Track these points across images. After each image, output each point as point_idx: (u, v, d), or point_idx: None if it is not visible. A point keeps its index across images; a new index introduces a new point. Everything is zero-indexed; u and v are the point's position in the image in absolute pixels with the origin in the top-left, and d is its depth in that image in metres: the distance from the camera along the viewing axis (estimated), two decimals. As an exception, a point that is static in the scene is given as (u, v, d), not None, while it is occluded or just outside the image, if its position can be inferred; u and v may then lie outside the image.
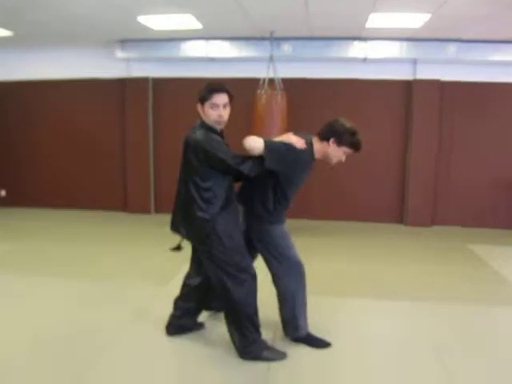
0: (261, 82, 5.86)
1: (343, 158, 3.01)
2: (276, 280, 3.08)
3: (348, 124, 2.92)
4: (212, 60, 6.75)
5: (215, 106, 2.72)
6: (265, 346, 2.92)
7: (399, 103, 6.73)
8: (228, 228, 2.79)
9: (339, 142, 2.90)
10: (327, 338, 3.14)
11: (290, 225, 3.10)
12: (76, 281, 4.31)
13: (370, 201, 6.99)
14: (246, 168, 2.72)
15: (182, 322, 3.17)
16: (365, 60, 6.43)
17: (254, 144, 2.78)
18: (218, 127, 2.80)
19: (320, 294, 3.84)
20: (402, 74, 6.58)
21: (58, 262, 4.94)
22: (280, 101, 5.82)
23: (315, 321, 3.27)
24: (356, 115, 6.78)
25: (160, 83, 7.09)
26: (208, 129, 2.78)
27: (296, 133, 3.06)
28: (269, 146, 2.79)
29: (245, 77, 6.45)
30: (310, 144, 2.94)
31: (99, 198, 7.52)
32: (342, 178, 6.84)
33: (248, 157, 2.77)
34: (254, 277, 2.87)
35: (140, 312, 3.61)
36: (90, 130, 7.39)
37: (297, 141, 2.88)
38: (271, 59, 5.88)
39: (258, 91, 5.84)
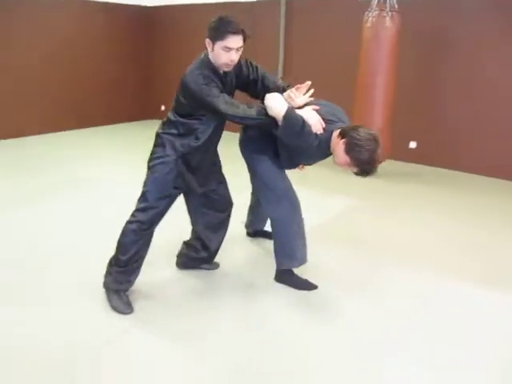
0: (372, 2, 5.18)
1: (347, 169, 2.57)
2: (266, 208, 2.99)
3: (372, 142, 2.42)
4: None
5: (228, 49, 2.39)
6: (113, 290, 2.72)
7: None
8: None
9: (347, 149, 2.44)
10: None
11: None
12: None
13: (496, 151, 5.70)
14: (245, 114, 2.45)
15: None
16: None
17: (275, 105, 2.47)
18: (226, 69, 2.50)
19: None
20: None
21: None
22: (389, 24, 5.08)
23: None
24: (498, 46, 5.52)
25: (293, 3, 6.84)
26: (209, 68, 2.47)
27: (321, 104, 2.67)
28: (288, 117, 2.45)
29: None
30: (329, 133, 2.54)
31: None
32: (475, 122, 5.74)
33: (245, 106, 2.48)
34: (147, 226, 2.65)
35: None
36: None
37: (316, 123, 2.50)
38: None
39: (366, 13, 5.20)
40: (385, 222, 4.21)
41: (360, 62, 5.36)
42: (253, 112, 2.47)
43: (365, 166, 2.48)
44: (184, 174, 2.64)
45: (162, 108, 8.75)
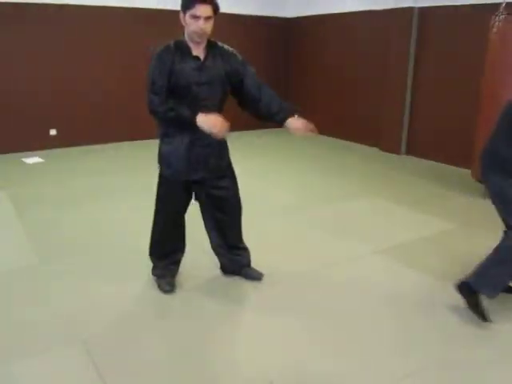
0: (501, 6, 4.64)
1: None
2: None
3: None
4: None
5: (196, 17, 2.49)
6: (160, 273, 3.00)
7: None
8: (170, 156, 2.72)
9: None
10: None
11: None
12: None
13: None
14: (157, 105, 2.56)
15: None
16: None
17: None
18: (198, 39, 2.57)
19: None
20: None
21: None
22: (519, 30, 4.50)
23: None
24: None
25: (427, 13, 6.43)
26: (177, 46, 2.60)
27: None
28: None
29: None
30: None
31: (355, 131, 7.74)
32: None
33: (174, 103, 2.55)
34: (167, 214, 2.89)
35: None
36: (353, 64, 7.62)
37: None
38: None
39: (492, 17, 4.67)
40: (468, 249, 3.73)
41: (485, 71, 4.84)
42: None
43: None
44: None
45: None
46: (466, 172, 5.42)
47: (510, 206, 2.69)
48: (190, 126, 2.54)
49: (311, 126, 2.72)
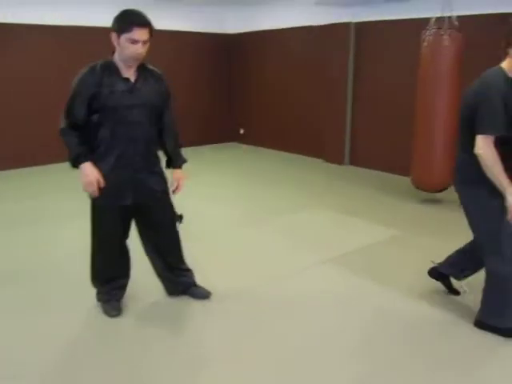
0: (431, 20, 4.87)
1: None
2: (483, 256, 2.62)
3: None
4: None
5: (135, 41, 2.39)
6: (104, 298, 2.87)
7: None
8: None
9: None
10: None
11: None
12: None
13: None
14: (62, 129, 2.54)
15: None
16: None
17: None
18: (132, 63, 2.50)
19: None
20: None
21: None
22: (448, 43, 4.72)
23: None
24: None
25: (363, 28, 6.67)
26: (105, 67, 2.49)
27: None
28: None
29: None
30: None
31: (300, 144, 7.89)
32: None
33: (72, 131, 2.52)
34: (104, 241, 2.74)
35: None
36: (296, 78, 7.76)
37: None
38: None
39: (423, 32, 4.89)
40: (410, 256, 3.84)
41: (418, 83, 5.05)
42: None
43: None
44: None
45: (241, 131, 8.97)
46: (406, 179, 5.61)
47: (495, 232, 2.51)
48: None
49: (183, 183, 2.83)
